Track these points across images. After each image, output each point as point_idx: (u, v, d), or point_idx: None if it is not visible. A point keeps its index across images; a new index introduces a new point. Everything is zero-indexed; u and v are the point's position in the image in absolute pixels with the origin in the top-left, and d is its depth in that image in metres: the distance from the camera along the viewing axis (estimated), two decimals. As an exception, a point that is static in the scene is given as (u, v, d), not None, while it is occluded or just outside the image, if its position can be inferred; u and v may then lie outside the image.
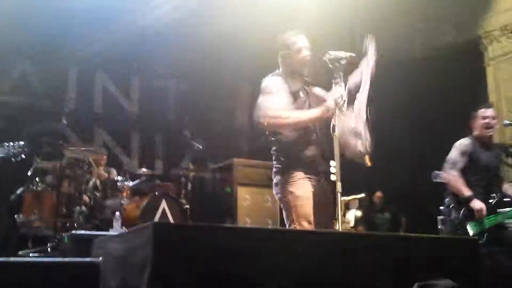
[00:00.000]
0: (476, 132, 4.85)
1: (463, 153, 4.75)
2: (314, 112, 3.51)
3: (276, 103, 3.56)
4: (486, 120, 4.78)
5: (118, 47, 7.94)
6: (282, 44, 3.77)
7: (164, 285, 2.09)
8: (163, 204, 6.23)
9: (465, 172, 4.71)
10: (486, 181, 4.70)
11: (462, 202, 4.63)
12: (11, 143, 4.46)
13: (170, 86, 9.17)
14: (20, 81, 7.88)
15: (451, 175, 4.71)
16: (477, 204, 4.53)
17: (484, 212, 4.50)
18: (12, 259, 2.73)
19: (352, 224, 8.32)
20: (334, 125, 3.44)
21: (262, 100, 3.62)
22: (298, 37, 3.72)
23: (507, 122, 5.22)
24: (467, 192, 4.59)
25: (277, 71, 3.80)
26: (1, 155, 4.38)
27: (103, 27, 7.79)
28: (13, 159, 4.43)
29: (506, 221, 4.54)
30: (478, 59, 8.44)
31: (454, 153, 4.78)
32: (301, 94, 3.69)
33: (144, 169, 6.87)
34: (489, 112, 4.84)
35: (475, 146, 4.78)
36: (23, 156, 4.42)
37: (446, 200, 4.85)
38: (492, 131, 4.79)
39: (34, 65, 7.97)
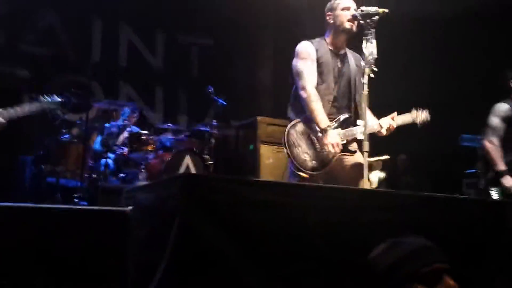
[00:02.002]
0: None
1: (503, 118, 4.62)
2: (324, 125, 3.52)
3: (312, 74, 3.64)
4: None
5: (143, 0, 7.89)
6: (330, 6, 3.77)
7: (193, 236, 2.11)
8: (187, 160, 6.28)
9: (506, 137, 4.61)
10: None
11: (490, 168, 4.56)
12: (48, 98, 4.44)
13: (195, 41, 9.11)
14: (45, 31, 7.88)
15: (491, 143, 4.61)
16: (508, 181, 4.45)
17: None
18: (41, 205, 2.77)
19: (375, 185, 8.28)
20: (363, 83, 3.40)
21: (298, 64, 3.69)
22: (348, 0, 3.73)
23: None
24: (501, 166, 4.50)
25: (317, 39, 3.80)
26: (38, 110, 4.37)
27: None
28: (49, 114, 4.42)
29: None
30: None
31: (495, 119, 4.64)
32: (338, 64, 3.73)
33: (168, 124, 6.90)
34: None
35: None
36: (59, 112, 4.42)
37: (477, 164, 4.79)
38: None
39: (59, 16, 7.95)
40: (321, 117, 3.55)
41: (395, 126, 3.72)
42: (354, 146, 3.69)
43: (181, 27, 8.78)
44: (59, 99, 4.47)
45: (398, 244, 1.95)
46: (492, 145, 4.59)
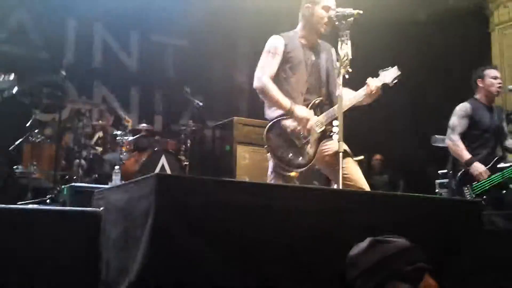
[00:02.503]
0: (480, 93, 4.79)
1: (462, 117, 4.70)
2: (288, 105, 3.50)
3: (270, 66, 3.62)
4: (498, 80, 4.73)
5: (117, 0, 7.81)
6: None
7: (166, 236, 2.08)
8: (162, 160, 6.25)
9: (468, 135, 4.68)
10: (491, 142, 4.69)
11: (460, 167, 4.62)
12: (1, 77, 4.18)
13: (170, 41, 9.05)
14: (17, 30, 7.75)
15: (450, 140, 4.69)
16: (477, 168, 4.51)
17: (486, 175, 4.48)
18: (12, 206, 2.72)
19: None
20: (338, 84, 3.42)
21: (261, 58, 3.69)
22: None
23: (510, 87, 5.10)
24: (466, 155, 4.57)
25: (289, 32, 3.77)
26: None
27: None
28: (4, 93, 4.19)
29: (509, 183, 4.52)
30: (483, 24, 8.32)
31: (453, 118, 4.75)
32: (311, 57, 3.71)
33: (143, 125, 6.84)
34: (497, 72, 4.79)
35: (476, 108, 4.72)
36: (13, 91, 4.18)
37: (447, 165, 4.85)
38: (500, 91, 4.76)
39: (32, 14, 7.83)
40: (282, 100, 3.53)
41: (374, 88, 3.59)
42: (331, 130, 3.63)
43: (156, 28, 8.71)
44: (12, 77, 4.21)
45: (380, 243, 1.98)
46: (452, 142, 4.68)
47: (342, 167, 3.50)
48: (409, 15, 8.51)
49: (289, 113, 3.53)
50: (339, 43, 3.44)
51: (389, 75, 3.72)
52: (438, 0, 8.29)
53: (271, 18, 7.60)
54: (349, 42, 3.44)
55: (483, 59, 7.61)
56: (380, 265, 1.92)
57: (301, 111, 3.53)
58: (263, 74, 3.61)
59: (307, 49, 3.73)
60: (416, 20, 8.52)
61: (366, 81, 3.66)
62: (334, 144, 3.62)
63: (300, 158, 3.54)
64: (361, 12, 3.45)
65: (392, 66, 3.71)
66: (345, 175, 3.45)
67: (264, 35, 3.81)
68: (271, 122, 3.59)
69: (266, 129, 3.57)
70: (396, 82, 3.70)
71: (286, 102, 3.53)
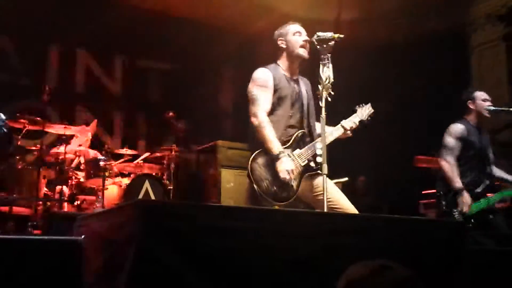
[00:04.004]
0: (471, 115, 4.80)
1: (458, 138, 4.69)
2: (277, 152, 3.47)
3: (265, 100, 3.62)
4: (487, 102, 4.74)
5: (101, 25, 7.82)
6: (281, 32, 3.82)
7: (149, 263, 2.06)
8: (146, 184, 6.20)
9: (460, 157, 4.68)
10: (478, 166, 4.70)
11: (451, 188, 4.63)
12: None
13: (154, 66, 9.06)
14: (-1, 57, 7.72)
15: (448, 162, 4.67)
16: (465, 199, 4.51)
17: (469, 208, 4.49)
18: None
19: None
20: (321, 107, 3.44)
21: (252, 92, 3.66)
22: (293, 25, 3.81)
23: (492, 108, 5.11)
24: (458, 184, 4.56)
25: (272, 65, 3.81)
26: None
27: (86, 4, 7.68)
28: None
29: (495, 203, 4.57)
30: (462, 47, 8.48)
31: (450, 139, 4.72)
32: (295, 89, 3.75)
33: (126, 149, 6.80)
34: (486, 95, 4.81)
35: (469, 130, 4.73)
36: (4, 130, 4.26)
37: (436, 185, 4.85)
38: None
39: (14, 39, 7.80)
40: (273, 143, 3.49)
41: (351, 129, 3.88)
42: (316, 162, 3.65)
43: (139, 52, 8.73)
44: (3, 116, 4.31)
45: (386, 270, 1.94)
46: (448, 164, 4.66)
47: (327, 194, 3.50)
48: (389, 38, 8.65)
49: (273, 158, 3.48)
50: (321, 66, 3.49)
51: (364, 112, 3.97)
52: (417, 24, 8.44)
53: (255, 43, 7.67)
54: (330, 66, 3.49)
55: (463, 80, 7.73)
56: None
57: (286, 163, 3.46)
58: (259, 110, 3.59)
59: (290, 81, 3.77)
60: (396, 44, 8.66)
61: (341, 124, 3.85)
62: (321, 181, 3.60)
63: (285, 192, 3.50)
64: (341, 36, 3.52)
65: (368, 97, 3.88)
66: (329, 202, 3.44)
67: (248, 57, 3.84)
68: (256, 152, 3.55)
69: (250, 159, 3.52)
70: (370, 118, 3.99)
71: (276, 147, 3.49)
